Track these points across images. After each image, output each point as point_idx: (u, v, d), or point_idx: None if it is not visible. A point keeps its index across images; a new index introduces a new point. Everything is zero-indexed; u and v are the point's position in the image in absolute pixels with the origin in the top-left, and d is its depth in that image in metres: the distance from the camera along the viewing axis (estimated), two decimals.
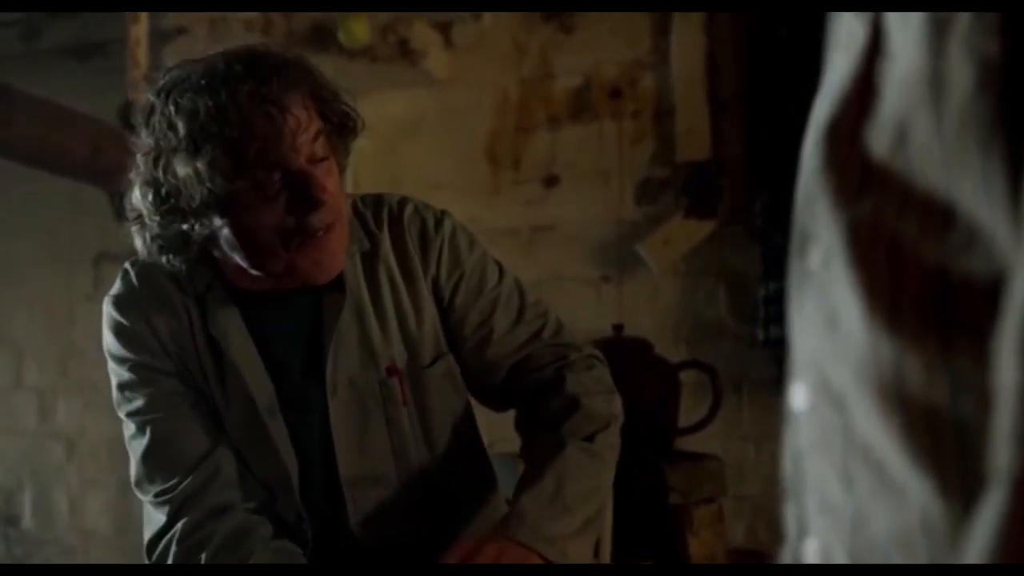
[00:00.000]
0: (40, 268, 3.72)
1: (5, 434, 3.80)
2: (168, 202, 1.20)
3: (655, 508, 2.03)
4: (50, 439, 3.73)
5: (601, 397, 1.38)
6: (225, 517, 1.28)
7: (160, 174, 1.19)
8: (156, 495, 1.30)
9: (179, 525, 1.28)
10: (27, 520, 3.76)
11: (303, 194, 1.19)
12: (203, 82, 1.17)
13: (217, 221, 1.21)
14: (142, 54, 2.99)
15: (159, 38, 3.14)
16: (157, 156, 1.19)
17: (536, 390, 1.38)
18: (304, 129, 1.19)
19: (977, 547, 0.32)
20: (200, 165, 1.15)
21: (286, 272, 1.24)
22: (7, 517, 3.78)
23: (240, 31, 2.95)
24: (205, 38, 2.87)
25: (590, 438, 1.33)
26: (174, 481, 1.29)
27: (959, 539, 0.35)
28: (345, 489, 1.33)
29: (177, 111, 1.17)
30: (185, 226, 1.21)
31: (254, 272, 1.26)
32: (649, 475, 2.03)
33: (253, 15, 3.02)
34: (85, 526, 3.66)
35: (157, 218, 1.22)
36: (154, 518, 1.33)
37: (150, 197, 1.21)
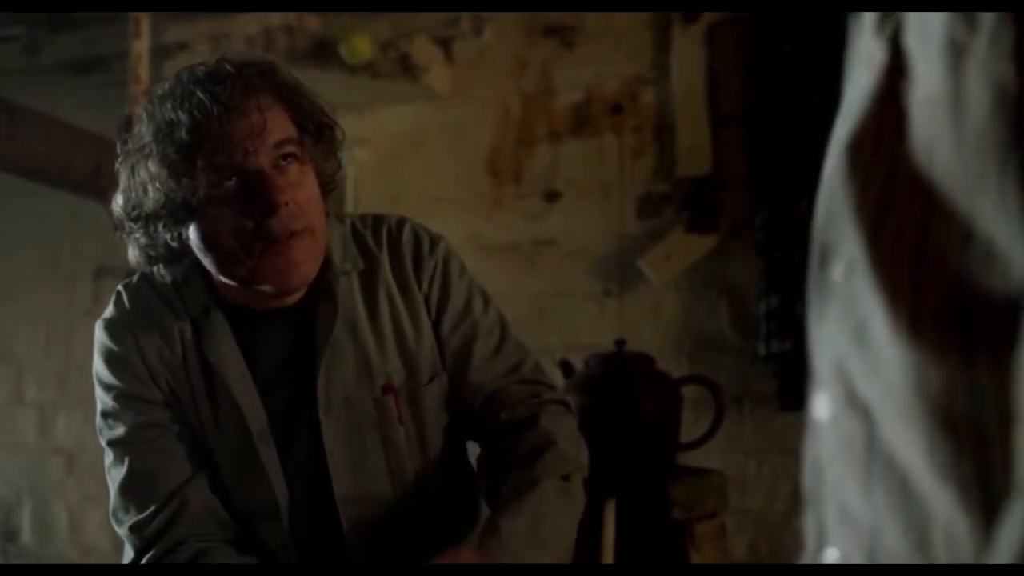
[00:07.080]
0: (41, 282, 3.72)
1: (5, 449, 3.79)
2: (137, 208, 1.22)
3: (658, 523, 2.02)
4: (50, 454, 3.73)
5: (573, 443, 1.38)
6: (183, 548, 1.26)
7: (129, 180, 1.22)
8: (131, 527, 1.28)
9: (145, 559, 1.27)
10: (26, 535, 3.75)
11: (258, 198, 1.18)
12: (167, 87, 1.22)
13: (183, 226, 1.22)
14: (144, 69, 2.99)
15: (160, 53, 3.16)
16: (127, 163, 1.23)
17: (510, 427, 1.37)
18: (261, 133, 1.19)
19: (1001, 558, 0.32)
20: (155, 168, 1.18)
21: (250, 278, 1.23)
22: (6, 532, 3.77)
23: (242, 47, 2.96)
24: (206, 53, 2.88)
25: (565, 478, 1.32)
26: (148, 513, 1.27)
27: (979, 552, 0.35)
28: (340, 509, 1.31)
29: (147, 118, 1.21)
30: (166, 234, 1.23)
31: (223, 279, 1.25)
32: (651, 490, 2.03)
33: (255, 31, 3.04)
34: (84, 542, 3.65)
35: (132, 224, 1.23)
36: (128, 550, 1.31)
37: (121, 203, 1.24)
